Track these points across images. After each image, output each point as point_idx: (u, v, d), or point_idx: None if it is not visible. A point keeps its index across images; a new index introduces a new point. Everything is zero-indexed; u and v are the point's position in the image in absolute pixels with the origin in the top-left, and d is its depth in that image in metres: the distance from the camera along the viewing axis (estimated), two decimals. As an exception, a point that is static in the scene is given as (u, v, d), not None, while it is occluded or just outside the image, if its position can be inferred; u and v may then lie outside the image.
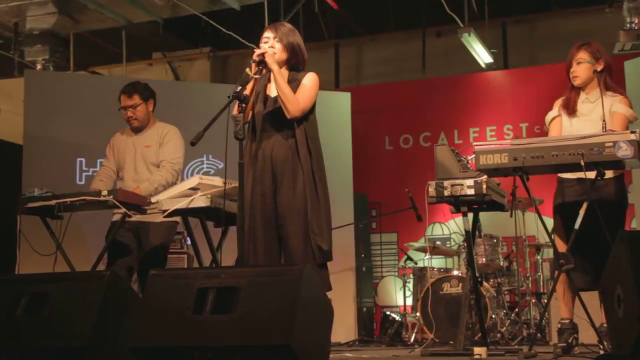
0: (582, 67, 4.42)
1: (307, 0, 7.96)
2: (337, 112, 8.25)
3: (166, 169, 5.11)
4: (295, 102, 3.94)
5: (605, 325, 4.09)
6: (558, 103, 4.56)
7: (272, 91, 4.07)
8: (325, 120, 4.22)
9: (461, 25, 8.05)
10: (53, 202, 4.68)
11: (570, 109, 4.45)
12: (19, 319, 3.33)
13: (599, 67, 4.43)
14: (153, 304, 3.16)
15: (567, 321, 4.36)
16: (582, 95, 4.47)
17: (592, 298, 4.24)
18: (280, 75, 3.96)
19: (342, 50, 10.44)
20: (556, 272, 4.16)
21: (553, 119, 4.53)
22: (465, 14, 8.04)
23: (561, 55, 4.60)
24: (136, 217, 4.78)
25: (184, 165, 5.38)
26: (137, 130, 5.25)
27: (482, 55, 8.65)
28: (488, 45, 8.62)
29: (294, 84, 4.01)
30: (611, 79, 4.48)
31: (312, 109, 4.04)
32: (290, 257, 3.89)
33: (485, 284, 6.74)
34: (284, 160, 3.95)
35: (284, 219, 3.92)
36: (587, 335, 4.55)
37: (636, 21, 7.02)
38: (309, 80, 4.04)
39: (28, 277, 3.67)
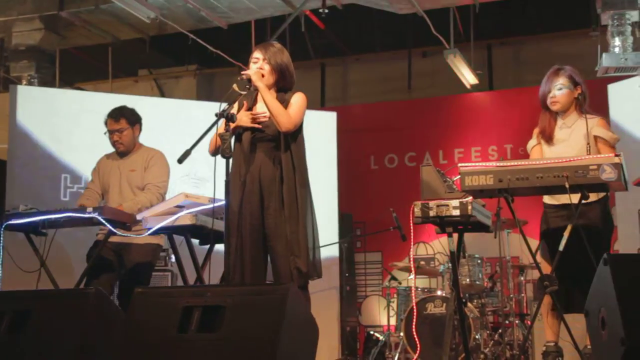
0: (562, 93, 4.46)
1: (294, 19, 8.00)
2: (322, 131, 8.25)
3: (151, 192, 5.12)
4: (287, 116, 3.97)
5: (589, 347, 4.11)
6: (536, 131, 4.60)
7: (259, 112, 4.08)
8: (311, 139, 4.23)
9: (447, 46, 8.11)
10: (37, 218, 4.67)
11: (547, 137, 4.49)
12: (1, 337, 3.30)
13: (577, 93, 4.48)
14: (138, 323, 3.15)
15: (552, 344, 4.37)
16: (559, 121, 4.51)
17: (576, 320, 4.25)
18: (267, 92, 3.99)
19: (328, 69, 10.49)
20: (540, 294, 4.17)
21: (533, 147, 4.58)
22: (451, 35, 8.10)
23: (546, 78, 4.63)
24: (119, 238, 4.76)
25: (169, 184, 5.38)
26: (122, 154, 5.27)
27: (467, 76, 8.70)
28: (473, 67, 8.68)
29: (283, 104, 4.03)
30: (585, 102, 4.52)
31: (300, 128, 4.06)
32: (278, 277, 3.90)
33: (469, 304, 6.75)
34: (271, 182, 3.96)
35: (271, 240, 3.93)
36: (572, 358, 4.56)
37: (620, 45, 7.08)
38: (297, 98, 4.08)
39: (11, 294, 3.64)
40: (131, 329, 3.15)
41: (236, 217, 3.94)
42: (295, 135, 4.04)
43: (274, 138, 4.02)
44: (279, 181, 3.96)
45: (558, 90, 4.46)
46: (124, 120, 5.21)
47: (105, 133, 5.24)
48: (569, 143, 4.42)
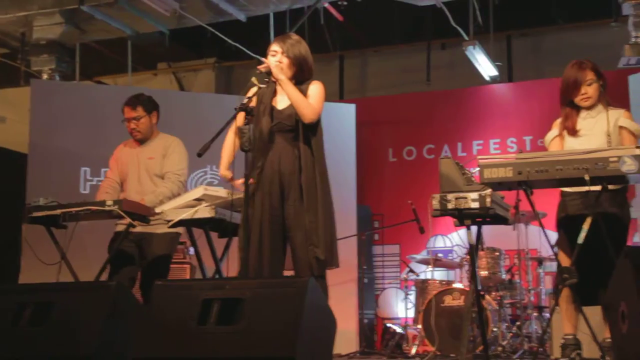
0: (593, 88, 4.42)
1: (313, 11, 7.99)
2: (341, 124, 8.27)
3: (171, 180, 5.13)
4: (310, 107, 3.99)
5: (608, 340, 4.09)
6: (557, 123, 4.57)
7: (278, 103, 4.10)
8: (330, 131, 4.24)
9: (466, 38, 8.07)
10: (58, 211, 4.70)
11: (571, 129, 4.45)
12: (23, 329, 3.34)
13: (601, 84, 4.45)
14: (158, 315, 3.18)
15: (570, 336, 4.35)
16: (583, 113, 4.47)
17: (595, 312, 4.23)
18: (288, 84, 3.99)
19: (347, 62, 10.46)
20: (559, 287, 4.15)
21: (553, 139, 4.54)
22: (470, 26, 8.06)
23: (566, 69, 4.60)
24: (139, 228, 4.79)
25: (187, 176, 5.40)
26: (140, 142, 5.27)
27: (486, 68, 8.66)
28: (493, 58, 8.64)
29: (301, 95, 4.04)
30: (606, 93, 4.50)
31: (318, 119, 4.07)
32: (297, 267, 3.93)
33: (487, 297, 6.74)
34: (291, 173, 3.98)
35: (291, 230, 3.96)
36: (590, 350, 4.55)
37: (641, 35, 7.04)
38: (315, 88, 4.09)
39: (33, 286, 3.69)
40: (151, 321, 3.18)
41: (254, 206, 3.96)
42: (314, 125, 4.05)
43: (293, 128, 4.03)
44: (298, 172, 3.98)
45: (588, 85, 4.43)
46: (140, 108, 5.20)
47: (122, 121, 5.25)
48: (593, 133, 4.38)
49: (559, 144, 4.49)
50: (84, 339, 3.22)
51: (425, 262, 7.58)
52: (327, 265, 3.95)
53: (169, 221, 4.62)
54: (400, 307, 8.25)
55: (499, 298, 6.91)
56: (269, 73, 4.01)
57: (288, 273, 4.09)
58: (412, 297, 7.55)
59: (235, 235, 4.79)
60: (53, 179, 7.21)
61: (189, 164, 5.31)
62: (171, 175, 5.14)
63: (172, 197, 5.00)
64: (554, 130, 4.55)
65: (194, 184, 7.58)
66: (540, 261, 7.13)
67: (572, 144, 4.42)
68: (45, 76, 7.97)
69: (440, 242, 8.88)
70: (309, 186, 3.96)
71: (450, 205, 4.00)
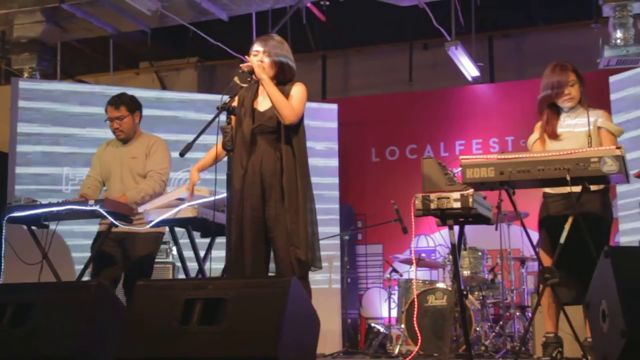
0: (575, 89, 4.46)
1: (295, 11, 7.99)
2: (324, 124, 8.28)
3: (154, 179, 5.11)
4: (290, 108, 3.97)
5: (589, 339, 4.12)
6: (538, 127, 4.59)
7: (260, 105, 4.09)
8: (312, 131, 4.26)
9: (448, 38, 8.10)
10: (39, 211, 4.68)
11: (551, 133, 4.48)
12: (4, 329, 3.31)
13: (582, 85, 4.49)
14: (140, 315, 3.16)
15: (551, 335, 4.38)
16: (563, 115, 4.50)
17: (576, 312, 4.26)
18: (270, 84, 3.98)
19: (329, 61, 10.47)
20: (541, 286, 4.18)
21: (534, 142, 4.57)
22: (452, 27, 8.09)
23: (547, 70, 4.62)
24: (122, 228, 4.77)
25: (170, 175, 5.39)
26: (123, 141, 5.26)
27: (468, 68, 8.69)
28: (475, 59, 8.67)
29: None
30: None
31: (301, 120, 4.06)
32: (279, 268, 3.92)
33: (470, 296, 6.76)
34: (272, 174, 3.96)
35: (272, 231, 3.95)
36: (571, 349, 4.57)
37: (621, 37, 7.09)
38: (298, 90, 4.07)
39: (14, 286, 3.66)
40: (133, 321, 3.16)
41: (236, 207, 3.95)
42: (296, 126, 4.04)
43: (275, 130, 4.02)
44: (279, 173, 3.97)
45: (571, 86, 4.46)
46: (123, 108, 5.19)
47: (105, 121, 5.24)
48: (573, 135, 4.41)
49: (540, 148, 4.51)
50: (65, 340, 3.20)
51: (408, 261, 7.60)
52: (309, 266, 3.95)
53: (151, 221, 4.61)
54: (384, 307, 8.26)
55: (481, 298, 6.93)
56: (251, 72, 4.00)
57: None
58: (395, 296, 7.56)
59: (218, 235, 4.80)
60: (34, 178, 7.19)
61: (171, 163, 5.30)
62: (153, 174, 5.13)
63: (154, 195, 4.99)
64: (535, 134, 4.58)
65: (176, 183, 7.55)
66: (522, 261, 7.16)
67: (553, 147, 4.44)
68: (26, 75, 7.93)
69: (423, 242, 8.91)
70: (290, 187, 3.95)
71: (432, 205, 4.01)
